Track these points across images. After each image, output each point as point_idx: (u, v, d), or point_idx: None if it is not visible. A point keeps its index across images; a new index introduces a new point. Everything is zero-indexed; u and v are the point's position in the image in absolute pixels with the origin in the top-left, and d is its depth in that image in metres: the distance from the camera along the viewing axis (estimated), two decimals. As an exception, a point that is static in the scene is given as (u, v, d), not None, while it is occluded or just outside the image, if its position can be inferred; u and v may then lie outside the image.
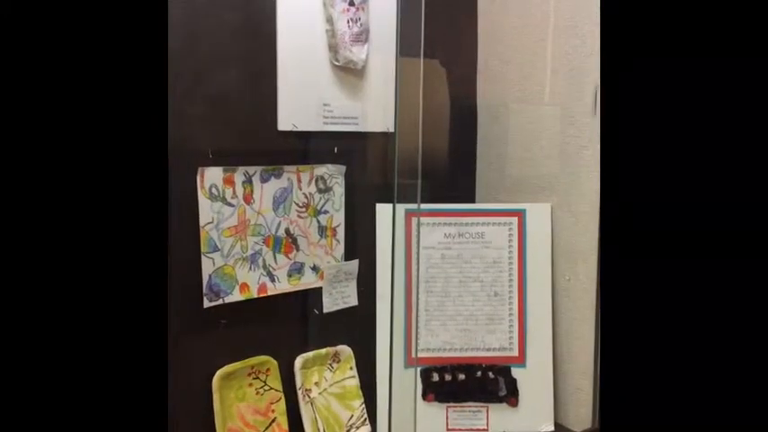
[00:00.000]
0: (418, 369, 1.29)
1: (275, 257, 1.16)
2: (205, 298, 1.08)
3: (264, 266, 1.15)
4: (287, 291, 1.18)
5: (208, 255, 1.07)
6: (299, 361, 1.19)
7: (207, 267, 1.07)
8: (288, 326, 1.20)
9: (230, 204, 1.10)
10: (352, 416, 1.25)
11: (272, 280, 1.16)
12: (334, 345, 1.25)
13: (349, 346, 1.27)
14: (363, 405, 1.27)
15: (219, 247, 1.09)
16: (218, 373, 1.09)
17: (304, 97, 1.16)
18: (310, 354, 1.21)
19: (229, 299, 1.11)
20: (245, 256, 1.12)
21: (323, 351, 1.24)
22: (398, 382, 1.27)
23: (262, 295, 1.15)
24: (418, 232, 1.29)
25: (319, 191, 1.21)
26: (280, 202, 1.16)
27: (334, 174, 1.23)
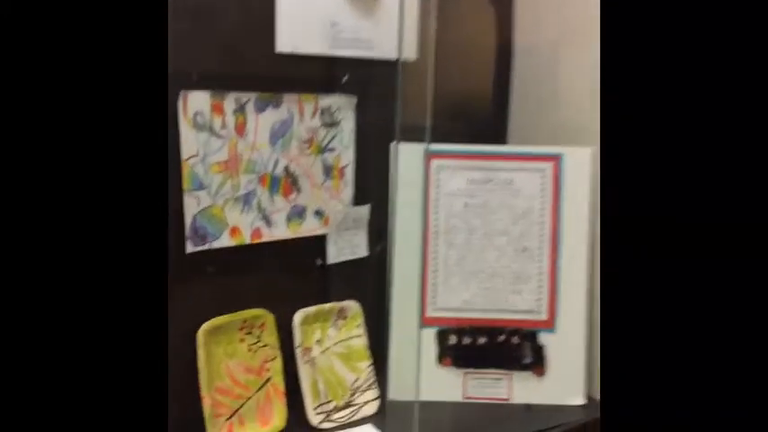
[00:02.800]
0: (434, 330, 1.15)
1: (272, 199, 1.02)
2: (188, 242, 0.95)
3: (259, 209, 1.01)
4: (285, 237, 1.05)
5: (192, 192, 0.94)
6: (298, 316, 1.07)
7: (190, 207, 0.94)
8: (286, 277, 1.06)
9: (219, 136, 0.95)
10: (357, 378, 1.13)
11: (269, 224, 1.03)
12: (340, 300, 1.12)
13: (357, 301, 1.13)
14: (371, 367, 1.14)
15: (206, 184, 0.95)
16: (205, 326, 0.97)
17: (308, 14, 1.00)
18: (311, 309, 1.08)
19: (217, 244, 0.98)
20: (236, 196, 0.98)
21: (326, 306, 1.10)
22: (411, 343, 1.14)
23: (255, 241, 1.02)
24: (437, 176, 1.13)
25: (325, 125, 1.06)
26: (278, 135, 1.01)
27: (342, 106, 1.07)
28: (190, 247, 0.95)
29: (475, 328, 1.16)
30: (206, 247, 0.96)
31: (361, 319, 1.14)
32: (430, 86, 1.02)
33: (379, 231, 1.15)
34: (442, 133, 1.09)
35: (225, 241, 0.98)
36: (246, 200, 1.00)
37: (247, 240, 1.00)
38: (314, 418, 1.05)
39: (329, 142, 1.07)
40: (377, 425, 1.09)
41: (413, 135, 1.05)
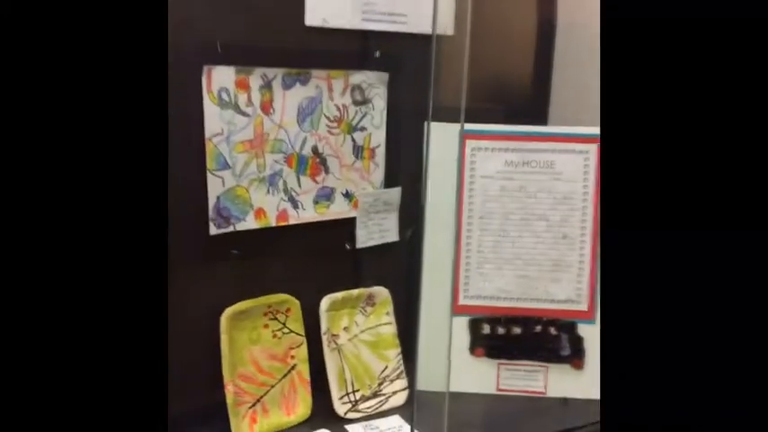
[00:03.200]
0: (466, 318, 1.10)
1: (299, 180, 0.98)
2: (211, 223, 0.91)
3: (285, 190, 0.97)
4: (312, 220, 1.01)
5: (215, 173, 0.90)
6: (325, 302, 1.02)
7: (214, 188, 0.90)
8: (313, 261, 1.02)
9: (244, 113, 0.91)
10: (386, 367, 1.08)
11: (295, 206, 0.98)
12: (369, 285, 1.07)
13: (386, 287, 1.09)
14: (400, 356, 1.09)
15: (230, 164, 0.91)
16: (228, 310, 0.94)
17: (338, -15, 0.95)
18: (339, 294, 1.04)
19: (242, 226, 0.94)
20: (261, 176, 0.94)
21: (354, 292, 1.06)
22: (442, 331, 1.09)
23: (281, 224, 0.98)
24: (471, 158, 1.08)
25: (355, 103, 1.01)
26: (306, 113, 0.97)
27: (374, 83, 1.02)
28: (213, 229, 0.91)
29: (509, 318, 1.10)
30: (230, 229, 0.93)
31: (390, 306, 1.10)
32: (466, 63, 0.96)
33: (411, 215, 1.10)
34: (479, 113, 1.03)
35: (250, 223, 0.94)
36: (272, 181, 0.95)
37: (273, 223, 0.96)
38: (340, 408, 1.02)
39: (360, 121, 1.02)
40: (405, 416, 1.05)
41: (447, 114, 1.00)
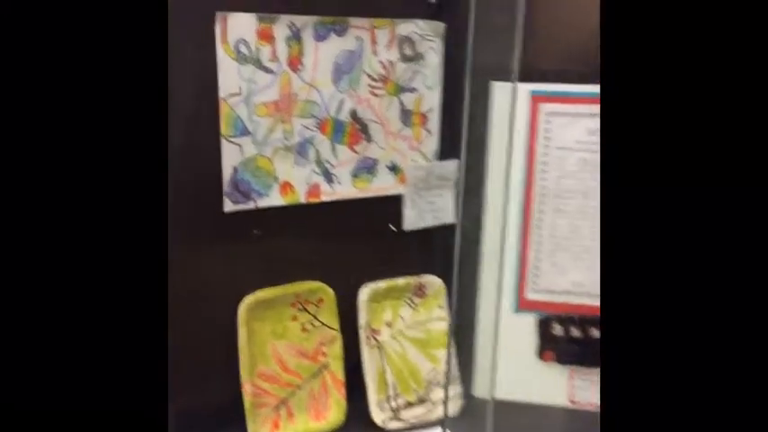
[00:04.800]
0: (534, 316, 0.93)
1: (334, 150, 0.83)
2: (226, 199, 0.78)
3: (318, 161, 0.83)
4: (351, 197, 0.86)
5: (232, 139, 0.77)
6: (365, 292, 0.88)
7: (231, 157, 0.77)
8: (351, 245, 0.88)
9: (268, 70, 0.77)
10: (435, 370, 0.93)
11: (329, 180, 0.84)
12: (418, 274, 0.92)
13: (440, 277, 0.93)
14: (454, 358, 0.94)
15: (250, 129, 0.77)
16: (247, 299, 0.81)
17: None
18: (382, 284, 0.89)
19: (264, 202, 0.80)
20: (289, 144, 0.80)
21: (401, 281, 0.91)
22: (505, 330, 0.93)
23: (313, 200, 0.83)
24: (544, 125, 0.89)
25: (405, 58, 0.85)
26: (344, 71, 0.81)
27: (427, 34, 0.85)
28: (228, 206, 0.78)
29: (586, 318, 0.93)
30: (250, 206, 0.79)
31: (443, 299, 0.94)
32: (537, 13, 0.79)
33: (470, 192, 0.94)
34: (554, 72, 0.86)
35: (274, 199, 0.81)
36: (302, 150, 0.81)
37: (302, 199, 0.82)
38: (378, 416, 0.88)
39: (409, 80, 0.86)
40: (456, 427, 0.90)
41: (516, 73, 0.82)
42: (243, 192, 0.78)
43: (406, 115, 0.87)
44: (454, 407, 0.93)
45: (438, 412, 0.92)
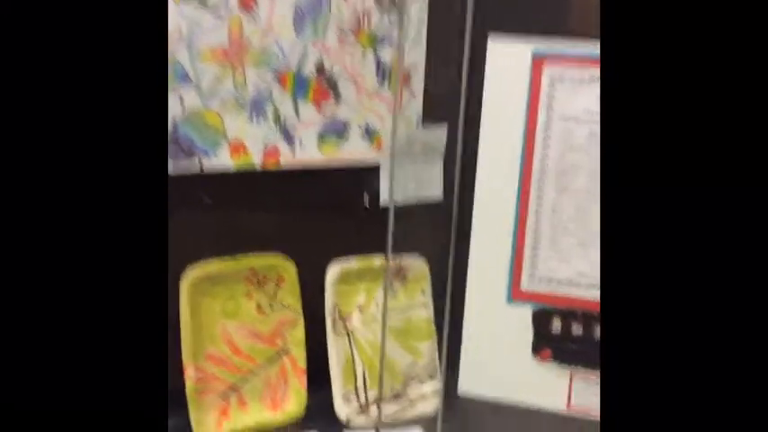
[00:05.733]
0: (530, 308, 0.82)
1: (297, 107, 0.74)
2: (170, 159, 0.69)
3: (277, 119, 0.73)
4: (316, 163, 0.76)
5: (172, 88, 0.68)
6: (333, 271, 0.78)
7: (169, 108, 0.68)
8: (319, 218, 0.78)
9: (215, 12, 0.68)
10: (414, 363, 0.83)
11: (290, 142, 0.74)
12: (398, 254, 0.82)
13: (424, 258, 0.83)
14: (436, 350, 0.83)
15: (192, 77, 0.68)
16: (192, 271, 0.72)
17: None
18: (353, 263, 0.79)
19: (212, 164, 0.71)
20: (241, 98, 0.71)
21: (376, 261, 0.81)
22: (497, 323, 0.82)
23: (270, 164, 0.74)
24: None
25: (380, 6, 0.74)
26: (306, 15, 0.71)
27: (407, -22, 0.75)
28: (171, 166, 0.69)
29: (588, 313, 0.80)
30: (194, 164, 0.70)
31: (427, 284, 0.83)
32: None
33: (460, 163, 0.82)
34: (559, 28, 0.74)
35: (222, 160, 0.72)
36: (257, 106, 0.72)
37: (257, 162, 0.73)
38: (343, 409, 0.78)
39: (386, 31, 0.75)
40: (434, 429, 0.79)
41: (515, 27, 0.72)
42: (185, 150, 0.70)
43: (383, 72, 0.76)
44: (432, 405, 0.82)
45: (415, 411, 0.81)
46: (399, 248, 0.82)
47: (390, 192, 0.75)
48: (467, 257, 0.84)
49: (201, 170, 0.70)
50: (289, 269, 0.77)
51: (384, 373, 0.82)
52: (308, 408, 0.78)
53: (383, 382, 0.79)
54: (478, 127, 0.79)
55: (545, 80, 0.79)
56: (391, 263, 0.81)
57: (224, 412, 0.75)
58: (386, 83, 0.77)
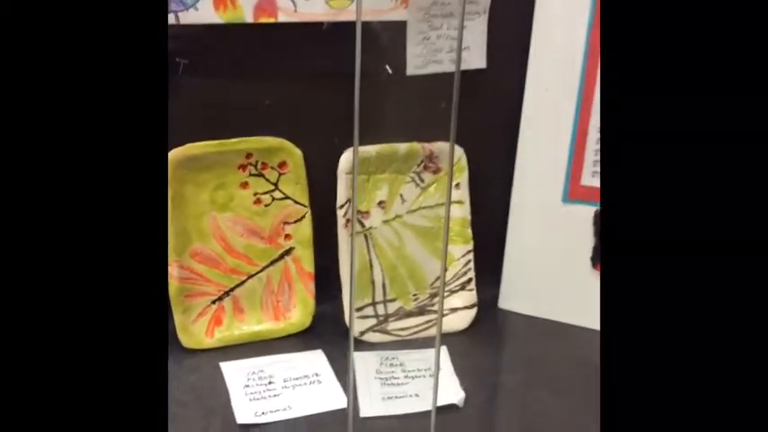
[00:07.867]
0: (591, 208, 0.67)
1: (296, -55, 0.58)
2: (131, 7, 0.55)
3: (272, -39, 0.57)
4: (323, 19, 0.61)
5: None
6: (347, 158, 0.64)
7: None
8: (325, 90, 0.63)
9: None
10: (445, 270, 0.69)
11: (289, -8, 0.59)
12: (428, 140, 0.67)
13: (459, 145, 0.68)
14: (471, 256, 0.69)
15: None
16: (176, 152, 0.60)
17: None
18: (372, 149, 0.65)
19: (191, 18, 0.57)
20: (224, -69, 0.55)
21: (402, 147, 0.66)
22: (549, 226, 0.67)
23: (265, 20, 0.59)
24: None
25: None
26: None
27: None
28: (137, 18, 0.55)
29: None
30: (170, 17, 0.56)
31: (464, 176, 0.68)
32: None
33: (508, 27, 0.66)
34: None
35: (205, 13, 0.57)
36: (246, -58, 0.56)
37: (248, 18, 0.58)
38: (357, 323, 0.66)
39: None
40: (464, 344, 0.66)
41: None
42: (156, -2, 0.55)
43: None
44: (464, 321, 0.69)
45: (443, 327, 0.68)
46: (431, 132, 0.67)
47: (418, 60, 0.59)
48: (514, 145, 0.69)
49: (177, 20, 0.56)
50: (293, 153, 0.63)
51: (408, 281, 0.69)
52: (314, 318, 0.66)
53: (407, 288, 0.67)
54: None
55: None
56: (421, 149, 0.66)
57: (217, 319, 0.64)
58: None
